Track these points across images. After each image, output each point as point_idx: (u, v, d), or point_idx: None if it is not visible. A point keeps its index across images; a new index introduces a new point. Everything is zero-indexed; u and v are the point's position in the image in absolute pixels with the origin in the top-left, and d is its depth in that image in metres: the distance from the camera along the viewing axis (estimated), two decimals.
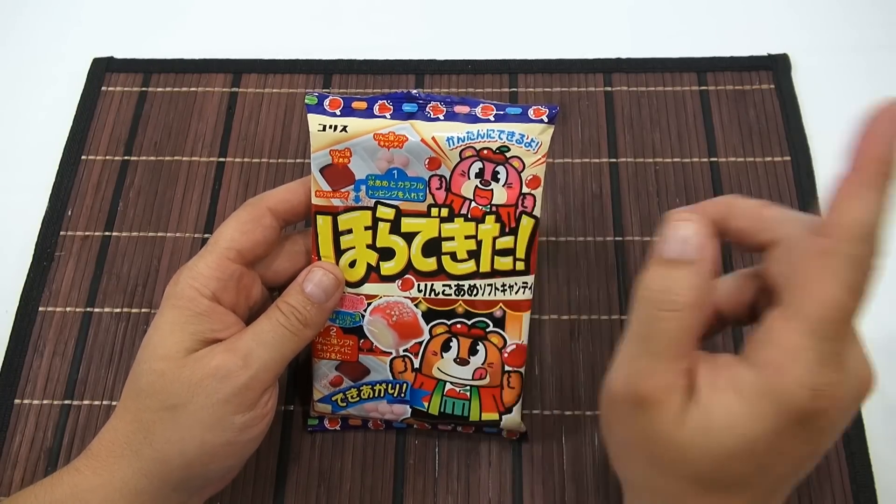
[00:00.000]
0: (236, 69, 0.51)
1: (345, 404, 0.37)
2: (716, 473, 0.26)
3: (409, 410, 0.37)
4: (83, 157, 0.48)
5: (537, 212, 0.34)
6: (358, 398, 0.37)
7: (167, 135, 0.49)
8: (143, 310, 0.44)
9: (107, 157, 0.48)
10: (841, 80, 0.50)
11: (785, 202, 0.45)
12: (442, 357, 0.36)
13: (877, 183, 0.25)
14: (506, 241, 0.34)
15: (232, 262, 0.33)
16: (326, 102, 0.34)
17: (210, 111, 0.50)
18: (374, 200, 0.34)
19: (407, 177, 0.34)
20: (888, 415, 0.40)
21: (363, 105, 0.34)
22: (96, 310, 0.44)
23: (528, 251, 0.35)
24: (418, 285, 0.35)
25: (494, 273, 0.35)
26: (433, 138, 0.34)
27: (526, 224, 0.34)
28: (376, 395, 0.37)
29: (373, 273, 0.35)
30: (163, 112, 0.50)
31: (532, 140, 0.34)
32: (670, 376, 0.26)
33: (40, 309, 0.44)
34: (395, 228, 0.34)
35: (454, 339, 0.36)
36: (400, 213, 0.34)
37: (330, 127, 0.34)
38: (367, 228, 0.34)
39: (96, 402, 0.41)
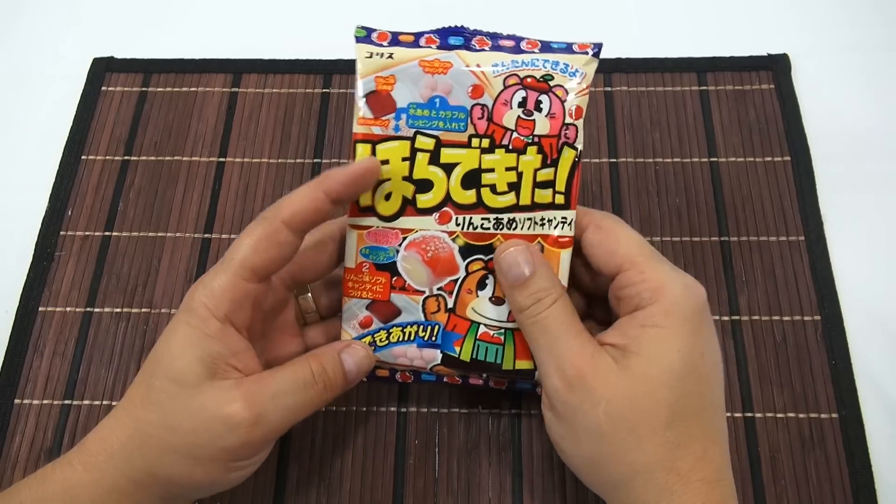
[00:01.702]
0: (236, 69, 0.51)
1: (373, 348, 0.36)
2: (678, 401, 0.30)
3: (440, 356, 0.35)
4: (83, 157, 0.48)
5: (579, 143, 0.34)
6: (387, 341, 0.36)
7: (167, 135, 0.49)
8: (143, 310, 0.44)
9: (107, 157, 0.48)
10: (841, 80, 0.50)
11: (785, 202, 0.45)
12: (477, 296, 0.35)
13: None
14: (546, 173, 0.34)
15: (246, 282, 0.32)
16: (374, 35, 0.35)
17: (210, 111, 0.50)
18: (413, 130, 0.34)
19: (449, 105, 0.34)
20: (888, 415, 0.40)
21: (410, 38, 0.35)
22: (96, 310, 0.44)
23: (568, 184, 0.34)
24: (456, 218, 0.34)
25: (534, 206, 0.34)
26: (478, 65, 0.34)
27: (567, 155, 0.34)
28: (407, 337, 0.35)
29: (409, 206, 0.34)
30: (163, 112, 0.50)
31: (576, 70, 0.34)
32: (588, 345, 0.31)
33: (40, 309, 0.44)
34: (434, 159, 0.34)
35: (490, 276, 0.35)
36: (440, 144, 0.34)
37: (377, 54, 0.34)
38: (404, 159, 0.34)
39: (96, 402, 0.41)
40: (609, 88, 0.50)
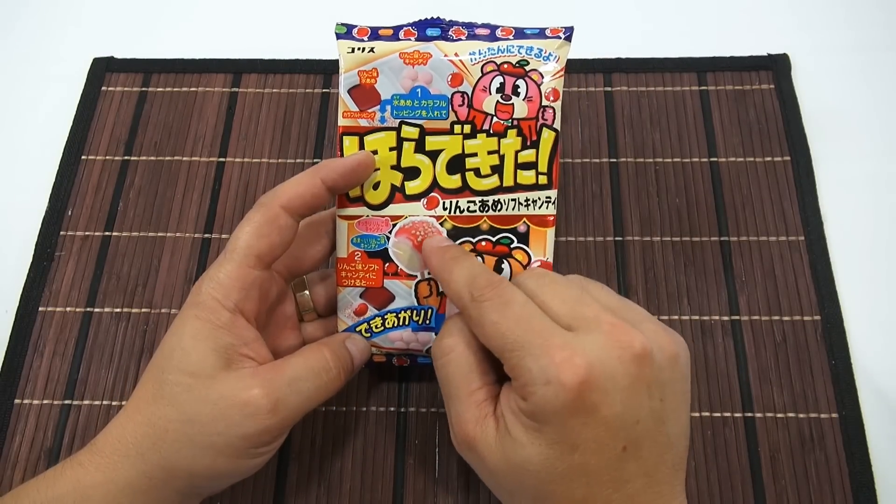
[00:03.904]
0: (236, 69, 0.51)
1: (369, 334, 0.37)
2: (542, 486, 0.28)
3: (435, 338, 0.36)
4: (83, 157, 0.48)
5: (557, 125, 0.35)
6: (382, 327, 0.37)
7: (167, 135, 0.49)
8: (143, 310, 0.44)
9: (107, 157, 0.49)
10: (841, 80, 0.50)
11: (785, 202, 0.45)
12: None
13: None
14: (528, 155, 0.35)
15: (252, 269, 0.33)
16: (355, 31, 0.36)
17: (210, 111, 0.50)
18: (398, 120, 0.35)
19: (430, 94, 0.35)
20: (888, 415, 0.40)
21: (389, 31, 0.36)
22: (96, 310, 0.44)
23: (549, 164, 0.35)
24: (443, 203, 0.35)
25: (518, 187, 0.35)
26: (456, 54, 0.35)
27: (547, 137, 0.35)
28: (401, 323, 0.36)
29: (397, 193, 0.35)
30: (163, 112, 0.50)
31: (550, 54, 0.35)
32: (473, 410, 0.30)
33: (40, 309, 0.44)
34: (419, 147, 0.35)
35: (480, 258, 0.36)
36: (424, 132, 0.35)
37: (358, 49, 0.35)
38: (391, 149, 0.35)
39: (96, 402, 0.41)
40: (609, 88, 0.50)
